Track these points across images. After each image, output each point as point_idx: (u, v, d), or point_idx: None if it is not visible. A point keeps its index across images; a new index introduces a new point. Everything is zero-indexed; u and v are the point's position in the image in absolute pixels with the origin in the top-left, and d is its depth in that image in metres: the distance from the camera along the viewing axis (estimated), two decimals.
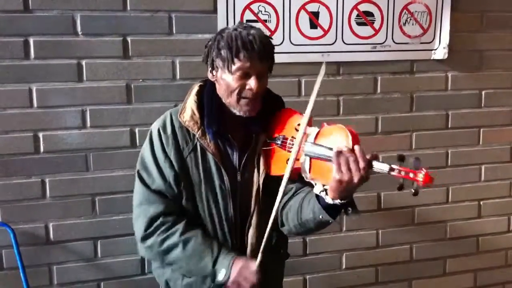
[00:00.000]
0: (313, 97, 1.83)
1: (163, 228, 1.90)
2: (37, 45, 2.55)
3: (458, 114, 3.23)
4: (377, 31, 2.96)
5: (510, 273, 3.54)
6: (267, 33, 1.92)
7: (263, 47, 1.81)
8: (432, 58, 3.09)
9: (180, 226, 1.90)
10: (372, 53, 2.98)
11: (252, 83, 1.80)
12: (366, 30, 2.94)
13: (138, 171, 1.96)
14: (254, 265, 1.83)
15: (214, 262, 1.87)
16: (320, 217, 1.76)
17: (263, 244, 1.83)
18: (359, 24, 2.93)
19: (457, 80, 3.18)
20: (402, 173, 1.60)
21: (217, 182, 1.92)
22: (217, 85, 1.90)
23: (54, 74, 2.59)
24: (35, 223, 2.68)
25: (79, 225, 2.73)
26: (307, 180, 1.81)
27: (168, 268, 2.01)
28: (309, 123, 1.83)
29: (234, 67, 1.79)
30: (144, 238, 1.93)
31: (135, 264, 2.83)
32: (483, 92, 3.25)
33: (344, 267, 3.21)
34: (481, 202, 3.40)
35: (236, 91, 1.82)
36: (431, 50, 3.07)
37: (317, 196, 1.77)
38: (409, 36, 3.02)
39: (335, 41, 2.91)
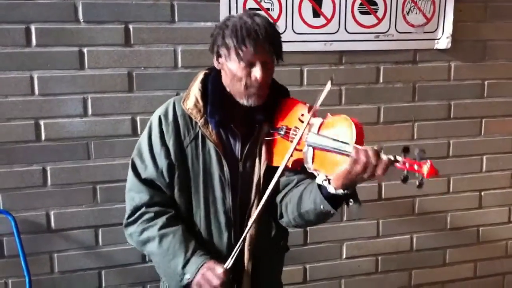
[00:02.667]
0: (325, 92, 1.79)
1: (144, 218, 1.90)
2: (38, 33, 2.54)
3: (461, 104, 3.22)
4: (380, 20, 2.94)
5: (510, 263, 3.55)
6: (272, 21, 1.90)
7: (268, 35, 1.79)
8: (435, 48, 3.08)
9: (160, 220, 1.88)
10: (375, 42, 2.97)
11: (257, 72, 1.78)
12: (369, 19, 2.93)
13: (132, 159, 1.95)
14: (221, 268, 1.79)
15: (185, 264, 1.84)
16: (321, 207, 1.74)
17: (234, 251, 1.81)
18: (362, 13, 2.91)
19: (460, 70, 3.17)
20: (407, 165, 1.58)
21: (216, 173, 1.90)
22: (222, 74, 1.88)
23: (55, 61, 2.58)
24: (36, 211, 2.68)
25: (80, 213, 2.73)
26: (310, 171, 1.79)
27: None
28: (314, 114, 1.82)
29: (239, 56, 1.77)
30: (127, 225, 1.95)
31: (136, 253, 2.82)
32: (485, 83, 3.24)
33: (344, 256, 3.21)
34: (482, 193, 3.39)
35: (242, 80, 1.80)
36: (434, 39, 3.06)
37: (319, 187, 1.76)
38: (412, 26, 3.00)
39: (338, 30, 2.89)
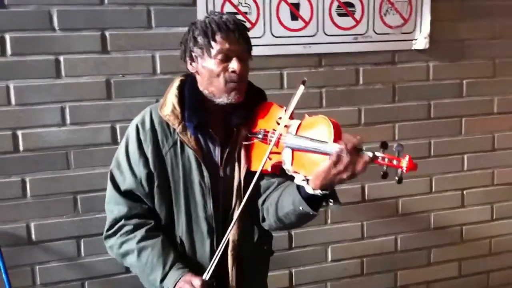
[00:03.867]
0: (298, 96, 1.78)
1: (123, 231, 1.89)
2: (13, 42, 2.50)
3: (440, 104, 3.23)
4: (358, 22, 2.95)
5: (494, 261, 3.56)
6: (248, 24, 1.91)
7: (238, 27, 1.82)
8: (413, 48, 3.09)
9: (139, 233, 1.87)
10: (354, 44, 2.97)
11: (234, 64, 1.79)
12: (347, 21, 2.93)
13: (111, 170, 1.94)
14: (198, 280, 1.77)
15: (163, 278, 1.84)
16: (300, 208, 1.72)
17: (211, 263, 1.80)
18: (340, 15, 2.92)
19: (438, 70, 3.19)
20: (386, 160, 1.58)
21: (196, 179, 1.88)
22: (198, 77, 1.87)
23: (31, 70, 2.54)
24: (16, 223, 2.63)
25: (61, 224, 2.69)
26: (289, 173, 1.78)
27: None
28: (291, 117, 1.81)
29: (213, 51, 1.78)
30: (106, 237, 1.94)
31: (119, 263, 2.76)
32: (464, 82, 3.26)
33: (330, 259, 3.20)
34: (465, 192, 3.41)
35: (221, 75, 1.80)
36: (412, 40, 3.07)
37: (298, 188, 1.74)
38: (390, 27, 3.01)
39: (317, 32, 2.89)
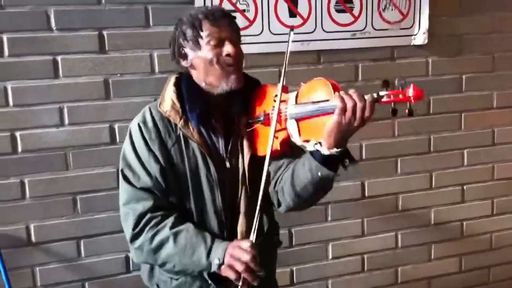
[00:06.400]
0: (286, 64, 1.82)
1: (152, 223, 1.82)
2: (10, 42, 2.49)
3: (440, 99, 3.23)
4: (356, 18, 2.94)
5: (495, 256, 3.57)
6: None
7: (225, 14, 1.83)
8: (412, 44, 3.08)
9: (169, 221, 1.82)
10: (352, 41, 2.96)
11: (228, 47, 1.79)
12: (345, 17, 2.92)
13: (122, 170, 1.88)
14: (247, 242, 1.71)
15: (208, 253, 1.77)
16: (319, 174, 1.70)
17: (254, 224, 1.72)
18: (338, 11, 2.90)
19: (437, 65, 3.18)
20: (392, 96, 1.57)
21: (203, 173, 1.87)
22: (194, 72, 1.87)
23: (29, 71, 2.53)
24: (16, 225, 2.62)
25: (61, 225, 2.68)
26: (299, 144, 1.77)
27: (157, 271, 1.96)
28: (285, 91, 1.81)
29: (204, 39, 1.79)
30: (133, 238, 1.85)
31: (119, 263, 2.78)
32: (463, 77, 3.26)
33: (330, 257, 3.20)
34: (465, 187, 3.41)
35: (215, 60, 1.79)
36: (411, 35, 3.06)
37: (312, 155, 1.72)
38: (388, 22, 3.00)
39: (315, 29, 2.88)
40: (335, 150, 1.65)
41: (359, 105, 1.59)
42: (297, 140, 1.75)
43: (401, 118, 3.15)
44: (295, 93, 1.78)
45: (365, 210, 3.21)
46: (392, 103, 1.58)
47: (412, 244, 3.36)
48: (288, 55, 1.82)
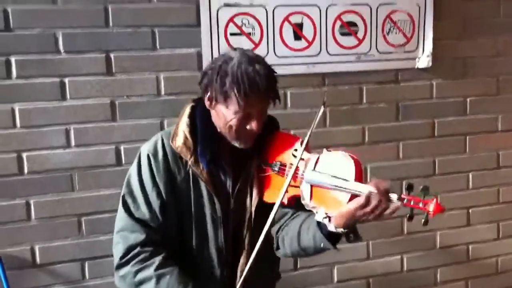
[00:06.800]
0: (313, 126, 1.77)
1: (139, 258, 1.83)
2: (19, 64, 2.51)
3: (444, 122, 3.23)
4: (361, 41, 2.96)
5: (501, 280, 3.53)
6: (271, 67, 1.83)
7: (269, 85, 1.74)
8: (416, 67, 3.10)
9: (156, 260, 1.82)
10: (357, 63, 2.98)
11: (253, 124, 1.75)
12: (350, 40, 2.94)
13: (123, 196, 1.89)
14: None
15: None
16: (321, 245, 1.74)
17: (242, 276, 1.76)
18: (343, 34, 2.93)
19: (441, 88, 3.19)
20: (412, 203, 1.59)
21: (208, 212, 1.87)
22: (213, 112, 1.83)
23: (37, 93, 2.55)
24: (21, 246, 2.62)
25: (65, 246, 2.68)
26: (308, 208, 1.77)
27: None
28: (307, 149, 1.79)
29: (235, 107, 1.72)
30: (119, 267, 1.86)
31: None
32: (468, 99, 3.26)
33: (335, 280, 3.18)
34: (470, 210, 3.39)
35: (235, 129, 1.76)
36: (415, 58, 3.08)
37: (318, 224, 1.73)
38: (392, 45, 3.02)
39: (320, 52, 2.90)
40: (341, 230, 1.67)
41: (382, 206, 1.60)
42: (307, 203, 1.76)
43: (406, 141, 3.16)
44: (316, 156, 1.76)
45: (370, 233, 3.19)
46: (411, 209, 1.60)
47: (418, 268, 3.34)
48: (315, 125, 1.78)
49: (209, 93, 1.78)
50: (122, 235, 1.87)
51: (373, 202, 1.59)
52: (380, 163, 3.12)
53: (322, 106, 1.79)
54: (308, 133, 1.78)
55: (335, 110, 3.00)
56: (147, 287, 1.82)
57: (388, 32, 3.00)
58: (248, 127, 1.75)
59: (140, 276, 1.82)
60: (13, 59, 2.50)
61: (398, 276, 3.31)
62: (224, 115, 1.76)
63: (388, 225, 3.21)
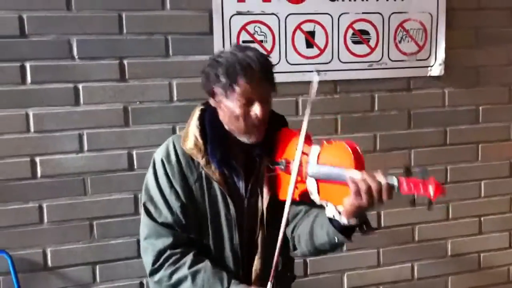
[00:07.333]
0: (307, 116, 1.78)
1: (171, 260, 1.84)
2: (33, 70, 2.54)
3: (456, 130, 3.22)
4: (373, 49, 2.96)
5: None
6: (264, 52, 1.89)
7: (262, 68, 1.76)
8: (428, 75, 3.10)
9: (188, 259, 1.84)
10: (369, 71, 2.99)
11: (257, 109, 1.75)
12: (362, 49, 2.95)
13: (144, 204, 1.91)
14: None
15: None
16: (336, 239, 1.73)
17: (272, 271, 1.77)
18: (355, 42, 2.93)
19: (454, 96, 3.19)
20: (412, 188, 1.57)
21: (222, 212, 1.88)
22: (219, 111, 1.85)
23: (50, 98, 2.58)
24: (33, 249, 2.65)
25: (77, 250, 2.70)
26: (318, 203, 1.78)
27: None
28: (308, 143, 1.79)
29: (235, 94, 1.74)
30: (153, 273, 1.88)
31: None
32: (480, 108, 3.25)
33: (345, 287, 3.17)
34: (482, 218, 3.38)
35: (242, 118, 1.77)
36: (427, 67, 3.08)
37: (330, 219, 1.73)
38: (405, 54, 3.02)
39: (331, 59, 2.91)
40: (353, 220, 1.67)
41: (374, 187, 1.59)
42: (316, 198, 1.76)
43: (417, 149, 3.16)
44: (318, 149, 1.76)
45: (381, 241, 3.18)
46: (412, 194, 1.59)
47: (429, 276, 3.33)
48: (313, 97, 1.80)
49: (209, 90, 1.82)
50: (149, 242, 1.88)
51: (363, 186, 1.58)
52: (391, 171, 3.08)
53: (316, 73, 1.80)
54: (304, 125, 1.77)
55: (346, 117, 3.01)
56: (184, 287, 1.84)
57: (400, 40, 3.00)
58: (252, 114, 1.76)
59: (176, 277, 1.84)
60: (27, 65, 2.54)
61: (409, 284, 3.30)
62: (228, 108, 1.78)
63: (399, 232, 3.21)
